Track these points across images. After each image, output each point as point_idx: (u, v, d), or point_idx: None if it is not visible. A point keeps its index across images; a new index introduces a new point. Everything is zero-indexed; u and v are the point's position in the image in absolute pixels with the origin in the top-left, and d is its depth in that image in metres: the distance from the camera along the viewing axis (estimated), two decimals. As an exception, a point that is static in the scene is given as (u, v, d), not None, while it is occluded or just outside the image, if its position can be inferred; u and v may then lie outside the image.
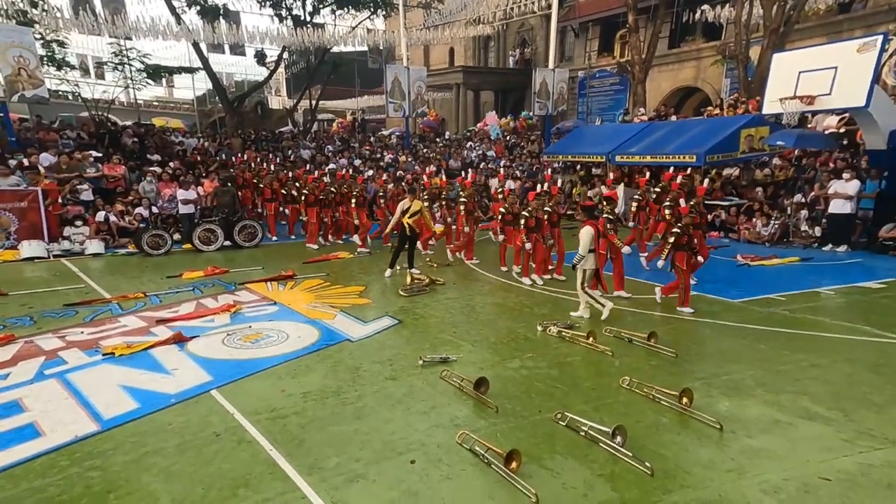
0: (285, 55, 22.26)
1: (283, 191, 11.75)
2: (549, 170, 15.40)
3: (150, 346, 5.27)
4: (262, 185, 11.96)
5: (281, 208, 11.98)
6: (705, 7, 17.67)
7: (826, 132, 12.10)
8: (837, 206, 9.69)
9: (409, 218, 8.19)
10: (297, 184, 11.53)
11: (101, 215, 10.81)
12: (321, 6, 19.90)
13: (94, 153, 12.72)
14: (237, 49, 21.55)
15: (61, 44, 18.28)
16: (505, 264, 8.57)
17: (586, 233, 5.97)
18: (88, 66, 21.91)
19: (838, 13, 16.73)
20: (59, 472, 3.28)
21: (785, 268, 8.64)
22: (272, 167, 13.04)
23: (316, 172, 12.69)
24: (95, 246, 10.20)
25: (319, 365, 4.92)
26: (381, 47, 24.75)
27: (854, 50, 8.92)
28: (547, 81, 18.12)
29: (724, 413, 3.92)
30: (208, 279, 8.16)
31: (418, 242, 9.05)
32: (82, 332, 5.74)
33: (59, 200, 10.69)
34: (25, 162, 11.09)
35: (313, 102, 23.56)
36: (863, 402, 4.11)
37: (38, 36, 14.96)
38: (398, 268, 8.37)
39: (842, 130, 12.05)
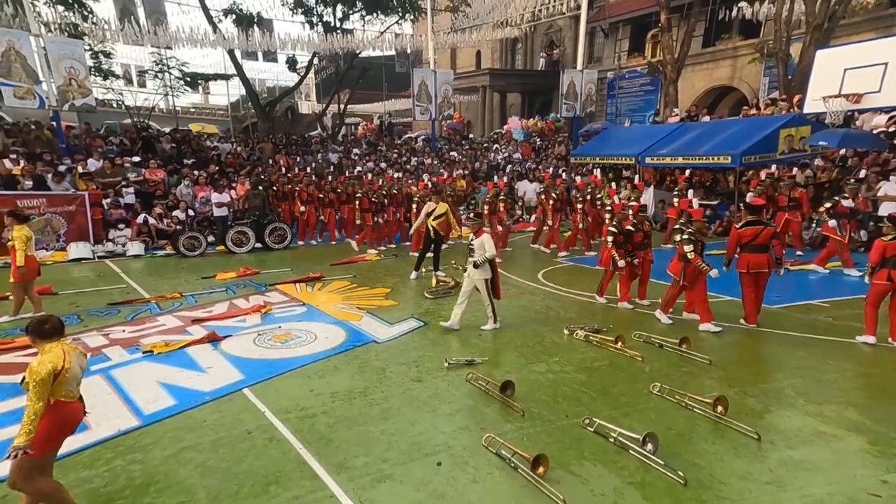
0: (315, 61, 22.73)
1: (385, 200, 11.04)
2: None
3: (186, 345, 5.46)
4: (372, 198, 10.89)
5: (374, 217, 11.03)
6: (742, 4, 17.07)
7: (874, 131, 11.50)
8: (887, 209, 9.18)
9: (433, 220, 8.22)
10: (395, 191, 11.30)
11: (141, 218, 11.31)
12: (351, 12, 20.26)
13: (135, 158, 13.31)
14: (269, 56, 22.14)
15: (108, 54, 19.22)
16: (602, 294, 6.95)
17: (489, 239, 5.70)
18: (132, 75, 22.95)
19: (889, 7, 15.88)
20: (105, 465, 3.44)
21: (827, 273, 8.25)
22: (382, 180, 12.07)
23: (425, 178, 12.44)
24: (136, 248, 10.67)
25: (347, 365, 5.00)
26: (409, 51, 24.95)
27: (905, 44, 8.47)
28: (575, 83, 17.88)
29: (761, 423, 3.77)
30: (240, 280, 8.40)
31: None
32: (124, 331, 6.01)
33: (103, 204, 11.23)
34: (80, 168, 11.70)
35: (342, 107, 23.97)
36: (915, 416, 3.88)
37: (86, 48, 15.77)
38: (423, 270, 8.41)
39: (891, 130, 11.42)
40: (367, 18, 20.86)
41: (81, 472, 3.35)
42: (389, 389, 4.46)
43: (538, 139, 20.57)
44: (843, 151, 11.43)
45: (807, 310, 6.36)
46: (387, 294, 7.49)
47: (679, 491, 3.04)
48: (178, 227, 11.51)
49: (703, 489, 3.06)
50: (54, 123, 12.94)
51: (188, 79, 21.30)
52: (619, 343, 5.17)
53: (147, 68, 21.49)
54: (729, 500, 2.97)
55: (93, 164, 12.37)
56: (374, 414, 4.04)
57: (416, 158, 17.67)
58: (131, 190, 11.94)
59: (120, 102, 21.61)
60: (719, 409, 3.82)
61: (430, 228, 8.26)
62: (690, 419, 3.85)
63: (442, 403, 4.18)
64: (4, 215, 7.42)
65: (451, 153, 18.54)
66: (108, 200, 11.50)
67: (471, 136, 24.29)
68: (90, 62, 16.30)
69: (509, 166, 17.42)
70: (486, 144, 20.76)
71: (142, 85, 22.84)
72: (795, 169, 10.84)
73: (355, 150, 18.27)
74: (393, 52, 24.54)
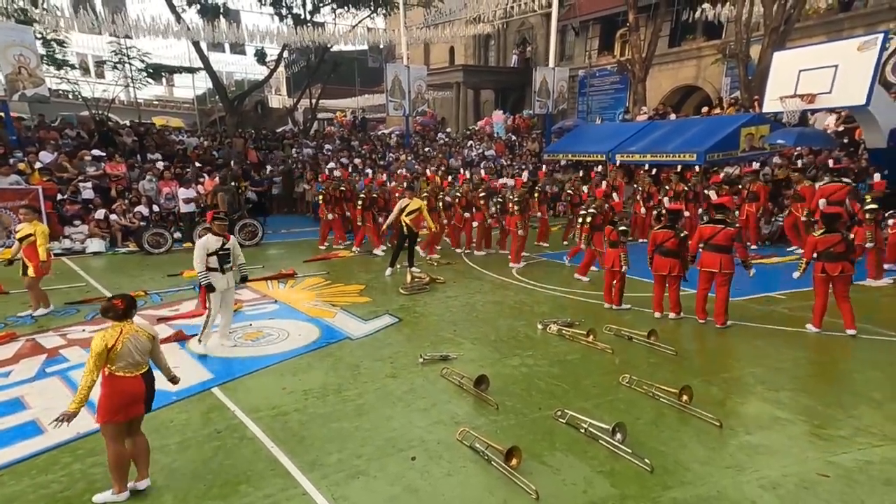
0: (285, 54, 22.20)
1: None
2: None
3: (151, 344, 5.27)
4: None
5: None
6: (706, 6, 17.65)
7: (826, 130, 12.11)
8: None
9: (407, 216, 8.19)
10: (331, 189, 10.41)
11: (101, 213, 10.83)
12: (321, 5, 19.87)
13: (95, 152, 12.72)
14: (237, 48, 21.52)
15: (61, 43, 18.26)
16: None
17: (200, 245, 4.88)
18: (89, 65, 21.88)
19: (839, 12, 16.70)
20: (62, 469, 3.30)
21: (784, 266, 8.65)
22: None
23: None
24: (96, 244, 10.22)
25: (320, 363, 4.94)
26: (382, 46, 24.71)
27: (855, 48, 8.91)
28: (547, 80, 18.08)
29: (723, 410, 3.93)
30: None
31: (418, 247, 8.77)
32: (83, 331, 5.76)
33: (58, 198, 10.70)
34: (23, 162, 11.04)
35: (313, 101, 23.53)
36: (862, 399, 4.13)
37: (38, 35, 14.94)
38: (398, 266, 8.38)
39: (840, 129, 12.04)
40: (338, 11, 20.52)
41: (37, 477, 3.21)
42: (364, 386, 4.44)
43: (513, 136, 20.75)
44: (798, 149, 11.99)
45: (766, 301, 6.65)
46: (361, 291, 7.43)
47: (645, 477, 3.14)
48: (142, 223, 11.09)
49: (667, 475, 3.18)
50: (2, 114, 12.23)
51: (150, 70, 20.47)
52: (591, 336, 5.29)
53: (105, 59, 20.56)
54: (691, 485, 3.10)
55: (46, 156, 11.75)
56: (348, 410, 4.02)
57: (391, 154, 17.55)
58: (89, 185, 11.42)
59: (77, 93, 20.60)
60: (684, 398, 3.97)
61: (404, 225, 8.24)
62: (657, 408, 3.98)
63: (417, 399, 4.19)
64: (20, 209, 7.65)
65: (427, 149, 18.49)
66: (65, 196, 10.96)
67: (448, 129, 24.26)
68: (42, 50, 15.46)
69: (483, 163, 17.50)
70: (459, 141, 20.80)
71: (100, 76, 21.81)
72: (756, 164, 11.33)
73: (327, 146, 17.99)
74: (365, 47, 24.21)
